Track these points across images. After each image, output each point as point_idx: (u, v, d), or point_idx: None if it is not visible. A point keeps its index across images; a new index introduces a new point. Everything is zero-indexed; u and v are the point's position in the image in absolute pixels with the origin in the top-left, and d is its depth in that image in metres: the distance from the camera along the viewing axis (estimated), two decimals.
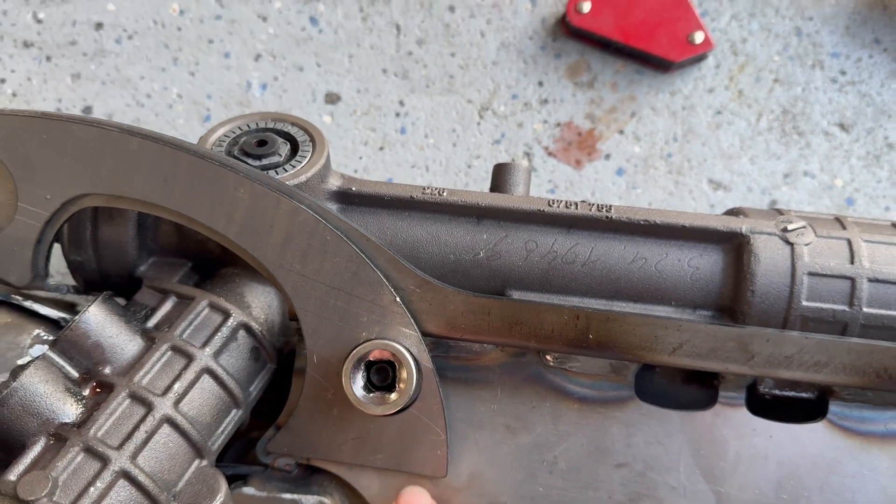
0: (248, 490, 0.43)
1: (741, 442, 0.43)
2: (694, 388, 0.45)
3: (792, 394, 0.44)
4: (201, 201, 0.41)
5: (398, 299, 0.41)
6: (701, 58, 0.68)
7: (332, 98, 0.69)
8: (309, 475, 0.44)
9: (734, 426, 0.43)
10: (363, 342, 0.41)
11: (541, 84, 0.68)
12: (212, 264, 0.46)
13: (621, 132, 0.67)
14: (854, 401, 0.43)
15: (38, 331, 0.44)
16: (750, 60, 0.68)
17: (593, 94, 0.68)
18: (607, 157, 0.67)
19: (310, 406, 0.42)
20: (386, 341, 0.40)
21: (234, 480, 0.43)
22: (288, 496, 0.43)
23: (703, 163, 0.67)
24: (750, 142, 0.67)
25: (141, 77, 0.69)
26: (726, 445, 0.43)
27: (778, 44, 0.68)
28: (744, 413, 0.43)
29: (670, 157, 0.67)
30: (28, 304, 0.44)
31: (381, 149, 0.68)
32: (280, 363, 0.45)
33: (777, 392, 0.44)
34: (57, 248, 0.45)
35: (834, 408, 0.43)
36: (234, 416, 0.42)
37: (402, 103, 0.68)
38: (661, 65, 0.68)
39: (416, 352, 0.41)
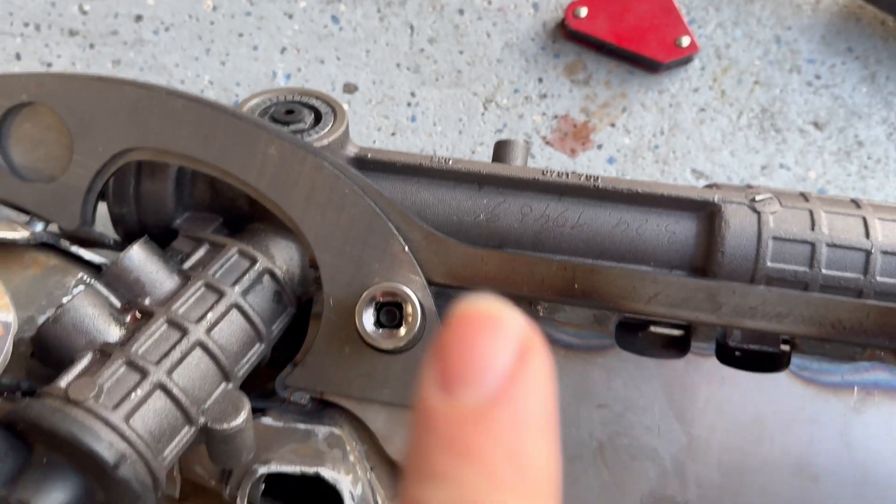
0: (267, 420, 0.46)
1: (711, 388, 0.46)
2: (671, 352, 0.49)
3: (757, 347, 0.48)
4: (237, 157, 0.46)
5: (406, 249, 0.45)
6: (687, 60, 0.73)
7: (349, 88, 0.75)
8: (322, 409, 0.47)
9: (705, 374, 0.46)
10: (374, 285, 0.45)
11: (540, 80, 0.74)
12: (241, 220, 0.51)
13: (613, 125, 0.73)
14: (814, 353, 0.47)
15: (82, 273, 0.48)
16: (733, 64, 0.74)
17: (588, 90, 0.73)
18: (599, 147, 0.73)
19: (325, 344, 0.46)
20: (395, 283, 0.45)
21: (253, 413, 0.48)
22: (302, 426, 0.46)
23: (687, 154, 0.72)
24: (731, 137, 0.72)
25: (176, 65, 0.75)
26: (697, 391, 0.46)
27: (759, 50, 0.74)
28: (714, 362, 0.46)
29: (657, 149, 0.73)
30: (74, 249, 0.49)
31: (394, 134, 0.73)
32: (298, 310, 0.50)
33: (744, 346, 0.48)
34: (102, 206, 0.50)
35: (796, 360, 0.46)
36: (258, 349, 0.46)
37: (413, 94, 0.74)
38: (650, 66, 0.73)
39: (421, 296, 0.45)
